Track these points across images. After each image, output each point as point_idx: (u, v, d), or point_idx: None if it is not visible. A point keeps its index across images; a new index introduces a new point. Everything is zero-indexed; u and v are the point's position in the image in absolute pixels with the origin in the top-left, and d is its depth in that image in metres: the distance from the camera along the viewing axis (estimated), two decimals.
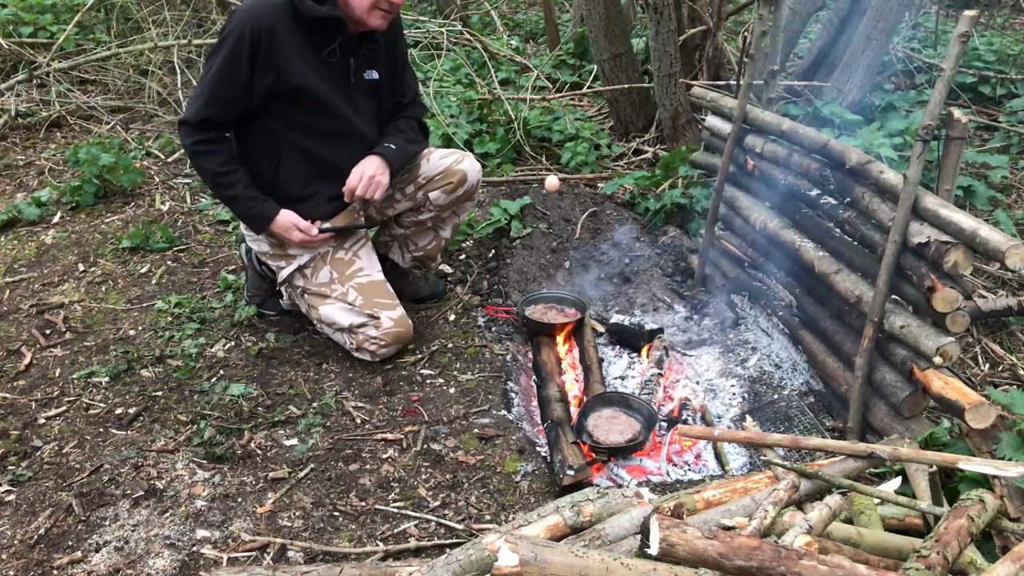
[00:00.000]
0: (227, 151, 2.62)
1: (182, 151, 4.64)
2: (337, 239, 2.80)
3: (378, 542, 2.10)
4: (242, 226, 2.86)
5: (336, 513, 2.21)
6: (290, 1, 2.52)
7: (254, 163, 2.69)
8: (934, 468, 1.83)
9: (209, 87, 2.54)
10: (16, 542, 2.11)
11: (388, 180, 2.74)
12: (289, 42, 2.52)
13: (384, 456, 2.43)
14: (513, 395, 2.76)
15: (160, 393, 2.69)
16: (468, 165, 2.96)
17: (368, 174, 2.69)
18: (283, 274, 2.81)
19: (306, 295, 2.80)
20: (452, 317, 3.16)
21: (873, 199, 2.29)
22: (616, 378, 2.92)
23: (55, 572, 2.01)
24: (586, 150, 4.29)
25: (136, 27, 5.80)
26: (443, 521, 2.17)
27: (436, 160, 2.94)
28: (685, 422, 2.65)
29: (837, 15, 4.58)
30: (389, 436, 2.50)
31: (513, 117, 4.47)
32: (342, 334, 2.79)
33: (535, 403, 2.78)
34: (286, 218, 2.67)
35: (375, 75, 2.76)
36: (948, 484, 1.97)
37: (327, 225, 2.76)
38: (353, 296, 2.74)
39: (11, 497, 2.26)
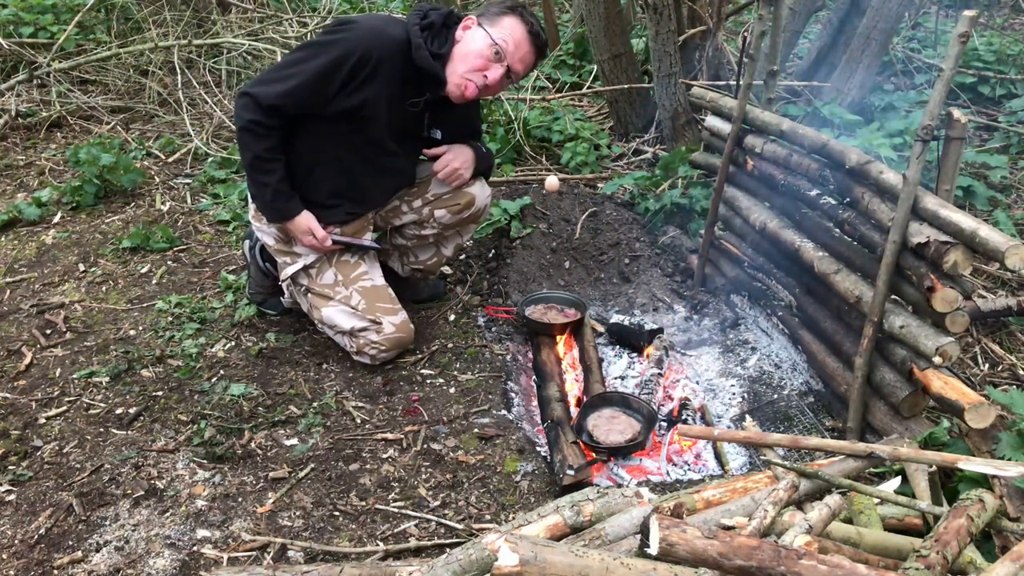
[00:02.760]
0: (277, 139, 2.58)
1: (184, 151, 4.64)
2: (344, 248, 2.81)
3: (378, 542, 2.10)
4: (250, 214, 2.84)
5: (336, 513, 2.21)
6: (407, 41, 2.53)
7: (291, 157, 2.66)
8: (934, 468, 1.83)
9: (295, 81, 2.48)
10: (16, 542, 2.11)
11: (469, 177, 2.91)
12: (387, 78, 2.53)
13: (384, 456, 2.43)
14: (513, 395, 2.76)
15: (160, 393, 2.69)
16: (478, 190, 2.97)
17: (454, 166, 2.83)
18: (287, 271, 2.81)
19: (309, 294, 2.80)
20: (452, 317, 3.17)
21: (873, 199, 2.29)
22: (616, 378, 2.93)
23: (55, 572, 2.01)
24: (586, 150, 4.29)
25: (136, 27, 5.80)
26: (443, 521, 2.17)
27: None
28: (685, 422, 2.65)
29: (837, 15, 4.57)
30: (389, 436, 2.51)
31: (513, 117, 4.47)
32: (343, 337, 2.79)
33: (535, 403, 2.78)
34: (305, 221, 2.67)
35: (438, 134, 2.82)
36: (948, 484, 1.97)
37: (339, 236, 2.76)
38: (356, 300, 2.74)
39: (11, 497, 2.27)
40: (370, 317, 2.73)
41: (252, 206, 2.80)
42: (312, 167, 2.69)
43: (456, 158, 2.85)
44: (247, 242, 3.04)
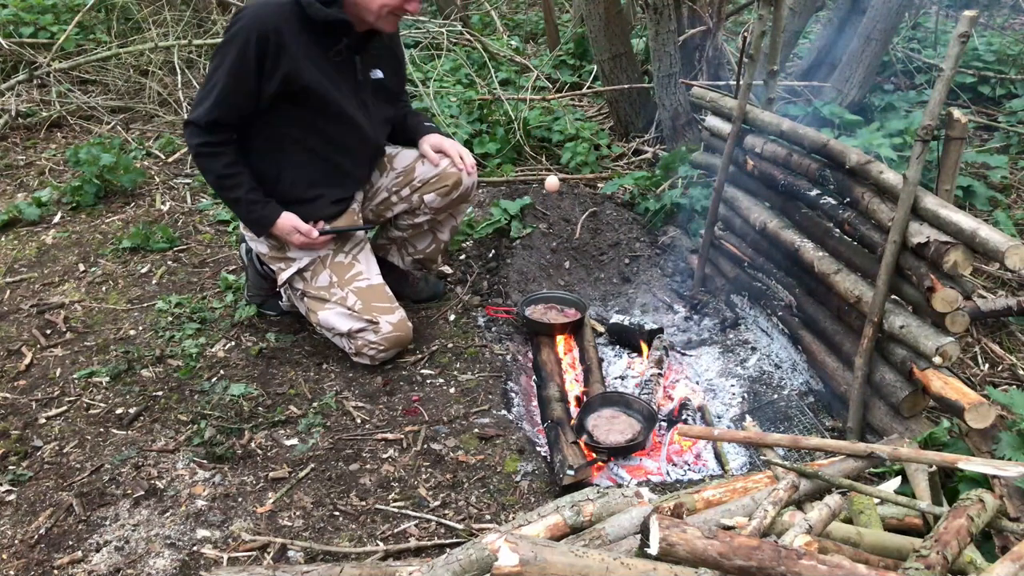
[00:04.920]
0: (233, 152, 2.59)
1: (184, 151, 4.64)
2: (337, 241, 2.79)
3: (378, 542, 2.10)
4: (242, 226, 2.85)
5: (336, 513, 2.21)
6: (296, 1, 2.49)
7: (258, 162, 2.66)
8: (934, 468, 1.83)
9: (217, 89, 2.49)
10: (17, 542, 2.11)
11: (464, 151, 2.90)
12: (296, 44, 2.49)
13: (384, 456, 2.43)
14: (513, 395, 2.76)
15: (160, 393, 2.69)
16: None
17: (459, 149, 2.85)
18: (283, 276, 2.80)
19: (306, 298, 2.80)
20: (452, 317, 3.17)
21: (873, 199, 2.29)
22: (616, 378, 2.93)
23: (56, 572, 2.01)
24: (586, 150, 4.29)
25: (136, 27, 5.80)
26: (443, 521, 2.17)
27: (431, 163, 2.94)
28: (685, 422, 2.65)
29: (837, 15, 4.58)
30: (389, 436, 2.51)
31: (513, 117, 4.47)
32: (341, 339, 2.79)
33: (535, 403, 2.78)
34: (287, 221, 2.66)
35: (379, 74, 2.76)
36: (948, 484, 1.97)
37: (327, 227, 2.75)
38: (352, 300, 2.74)
39: (11, 497, 2.27)
40: (367, 317, 2.72)
41: None
42: (280, 165, 2.67)
43: (453, 147, 2.86)
44: (244, 245, 3.04)
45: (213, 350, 2.92)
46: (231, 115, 2.54)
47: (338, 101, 2.62)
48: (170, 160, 4.61)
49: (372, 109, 2.76)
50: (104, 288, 3.36)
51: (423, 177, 2.92)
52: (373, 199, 2.96)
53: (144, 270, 3.49)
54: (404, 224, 3.04)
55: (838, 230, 2.56)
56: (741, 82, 2.99)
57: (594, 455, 2.46)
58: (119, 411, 2.61)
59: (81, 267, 3.51)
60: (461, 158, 2.86)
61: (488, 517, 2.19)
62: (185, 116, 2.56)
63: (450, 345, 2.98)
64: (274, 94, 2.52)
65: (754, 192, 3.05)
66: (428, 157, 2.87)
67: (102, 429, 2.53)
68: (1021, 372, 2.77)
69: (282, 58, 2.48)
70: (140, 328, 3.05)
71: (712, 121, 3.27)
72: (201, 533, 2.13)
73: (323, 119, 2.63)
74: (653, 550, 1.35)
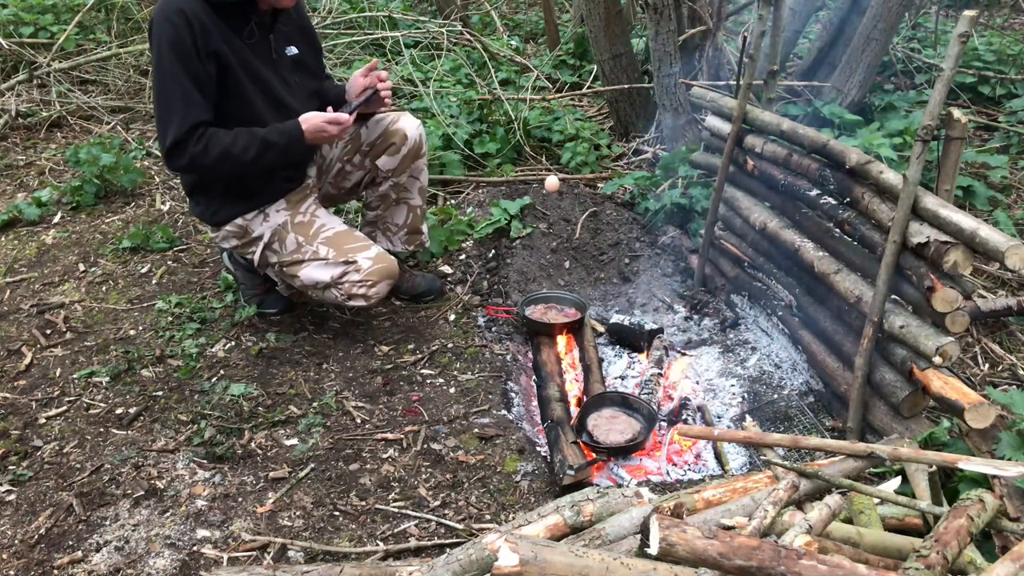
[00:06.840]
0: (216, 130, 2.53)
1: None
2: (304, 190, 2.81)
3: (378, 542, 2.10)
4: (210, 233, 2.84)
5: (336, 513, 2.21)
6: None
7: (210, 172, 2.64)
8: (934, 468, 1.83)
9: (177, 94, 2.46)
10: (17, 542, 2.11)
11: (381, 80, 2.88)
12: (213, 27, 2.49)
13: (384, 456, 2.43)
14: (513, 395, 2.76)
15: (160, 393, 2.69)
16: (406, 123, 2.96)
17: (372, 78, 2.82)
18: (257, 258, 2.81)
19: (284, 268, 2.79)
20: (452, 317, 3.17)
21: (873, 199, 2.29)
22: (616, 378, 2.93)
23: (56, 572, 2.01)
24: (586, 150, 4.29)
25: (136, 27, 5.80)
26: (443, 521, 2.17)
27: (374, 125, 2.96)
28: (685, 422, 2.65)
29: (837, 15, 4.57)
30: (389, 436, 2.51)
31: (513, 117, 4.47)
32: (331, 291, 2.75)
33: (535, 403, 2.78)
34: (311, 122, 2.60)
35: (295, 50, 2.77)
36: (948, 484, 1.97)
37: (351, 106, 2.75)
38: (325, 251, 2.73)
39: (11, 497, 2.27)
40: (343, 259, 2.70)
41: (208, 227, 2.82)
42: None
43: (357, 78, 2.85)
44: (224, 254, 3.07)
45: (213, 350, 2.92)
46: (205, 109, 2.51)
47: (263, 80, 2.63)
48: None
49: (294, 85, 2.77)
50: (104, 288, 3.36)
51: (369, 140, 2.95)
52: (329, 172, 2.99)
53: (144, 270, 3.49)
54: (373, 203, 3.08)
55: (838, 230, 2.56)
56: (741, 82, 2.99)
57: (594, 455, 2.46)
58: (119, 411, 2.61)
59: (81, 267, 3.51)
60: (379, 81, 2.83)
61: (488, 517, 2.19)
62: (159, 152, 2.51)
63: (450, 345, 2.98)
64: (214, 79, 2.51)
65: (754, 192, 3.05)
66: (363, 79, 2.83)
67: (102, 429, 2.53)
68: (1021, 372, 2.77)
69: (209, 38, 2.47)
70: (140, 328, 3.05)
71: (712, 121, 3.27)
72: (201, 533, 2.13)
73: (254, 101, 2.62)
74: (653, 550, 1.35)
